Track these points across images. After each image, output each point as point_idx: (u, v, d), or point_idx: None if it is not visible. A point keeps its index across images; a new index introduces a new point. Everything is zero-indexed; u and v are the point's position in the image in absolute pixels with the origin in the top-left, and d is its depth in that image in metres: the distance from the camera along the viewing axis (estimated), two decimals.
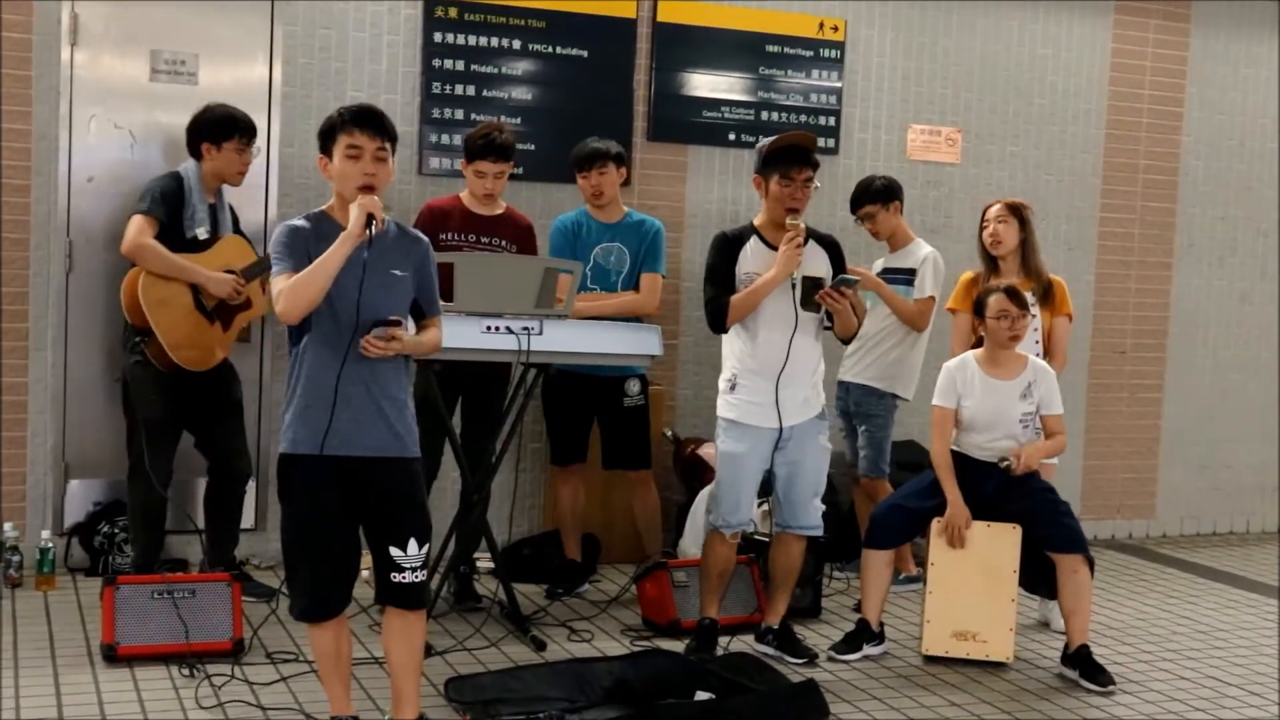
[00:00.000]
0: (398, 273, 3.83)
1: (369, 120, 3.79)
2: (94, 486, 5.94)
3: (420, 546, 3.85)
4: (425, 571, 3.90)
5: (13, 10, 5.69)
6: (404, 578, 3.83)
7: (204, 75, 5.97)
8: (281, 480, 3.87)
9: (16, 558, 5.58)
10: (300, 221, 3.85)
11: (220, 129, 5.34)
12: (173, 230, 5.23)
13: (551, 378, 5.71)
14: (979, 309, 5.30)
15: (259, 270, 5.32)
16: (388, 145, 3.81)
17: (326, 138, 3.82)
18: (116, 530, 5.78)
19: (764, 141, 5.10)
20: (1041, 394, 5.23)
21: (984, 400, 5.21)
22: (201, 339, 5.28)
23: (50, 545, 5.59)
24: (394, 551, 3.82)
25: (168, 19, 5.91)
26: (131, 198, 5.85)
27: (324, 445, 3.76)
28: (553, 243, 5.91)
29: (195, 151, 5.36)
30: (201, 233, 5.31)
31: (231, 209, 5.57)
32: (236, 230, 5.54)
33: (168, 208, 5.22)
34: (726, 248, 5.05)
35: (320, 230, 3.80)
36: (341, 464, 3.79)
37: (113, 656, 4.71)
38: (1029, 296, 5.66)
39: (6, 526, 5.62)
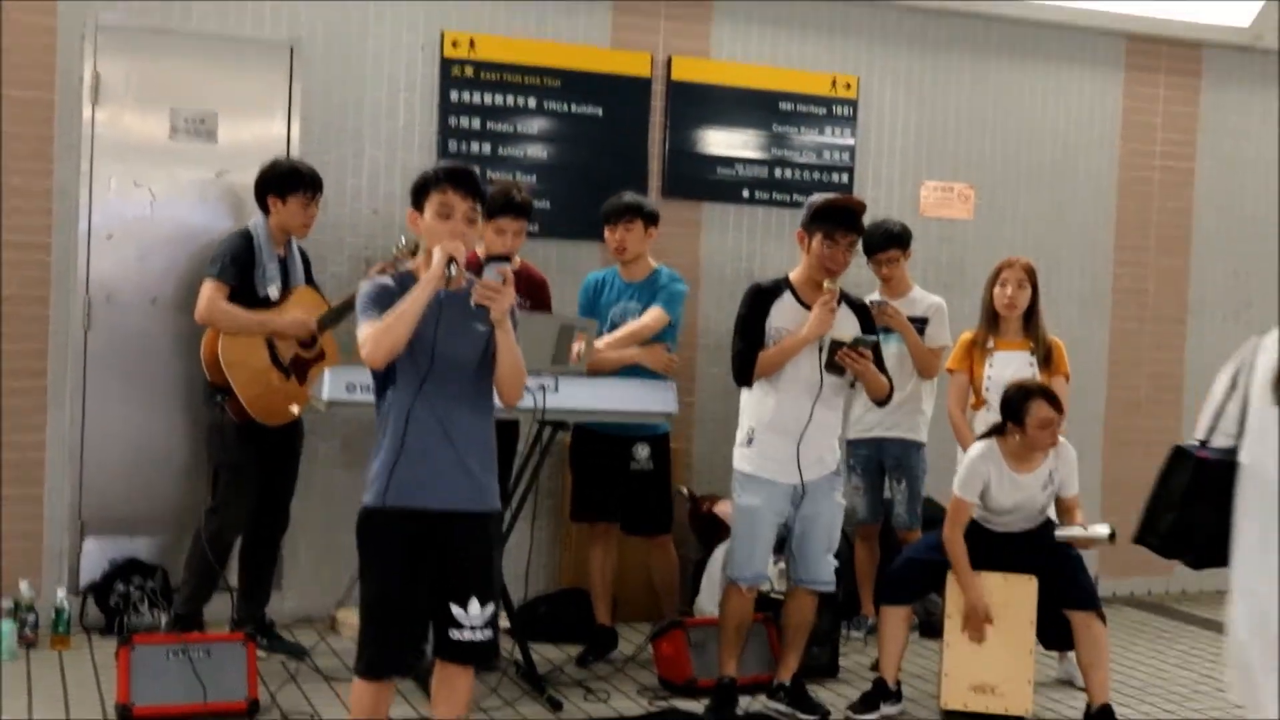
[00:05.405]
0: (480, 327, 3.78)
1: (463, 180, 3.79)
2: (110, 544, 5.93)
3: (483, 606, 3.78)
4: (489, 631, 3.82)
5: (36, 69, 5.75)
6: (461, 635, 3.77)
7: (223, 133, 6.02)
8: (358, 534, 3.84)
9: (32, 617, 5.55)
10: (387, 280, 3.84)
11: (285, 183, 5.41)
12: (244, 291, 5.30)
13: (576, 435, 5.68)
14: (1011, 411, 5.16)
15: (333, 319, 5.41)
16: (478, 207, 3.83)
17: (420, 193, 3.84)
18: (132, 589, 5.77)
19: (815, 198, 5.09)
20: (1061, 478, 5.23)
21: (1008, 494, 5.21)
22: (277, 394, 5.35)
23: (65, 604, 5.57)
24: (454, 609, 3.76)
25: (187, 77, 5.97)
26: (150, 255, 5.92)
27: (386, 497, 3.72)
28: (579, 299, 5.90)
29: (263, 205, 5.43)
30: (273, 291, 5.38)
31: (304, 256, 5.62)
32: (309, 279, 5.61)
33: (238, 269, 5.29)
34: (759, 300, 5.06)
35: (406, 288, 3.77)
36: (413, 517, 3.73)
37: (128, 717, 4.68)
38: (1029, 357, 5.67)
39: (22, 585, 5.60)
